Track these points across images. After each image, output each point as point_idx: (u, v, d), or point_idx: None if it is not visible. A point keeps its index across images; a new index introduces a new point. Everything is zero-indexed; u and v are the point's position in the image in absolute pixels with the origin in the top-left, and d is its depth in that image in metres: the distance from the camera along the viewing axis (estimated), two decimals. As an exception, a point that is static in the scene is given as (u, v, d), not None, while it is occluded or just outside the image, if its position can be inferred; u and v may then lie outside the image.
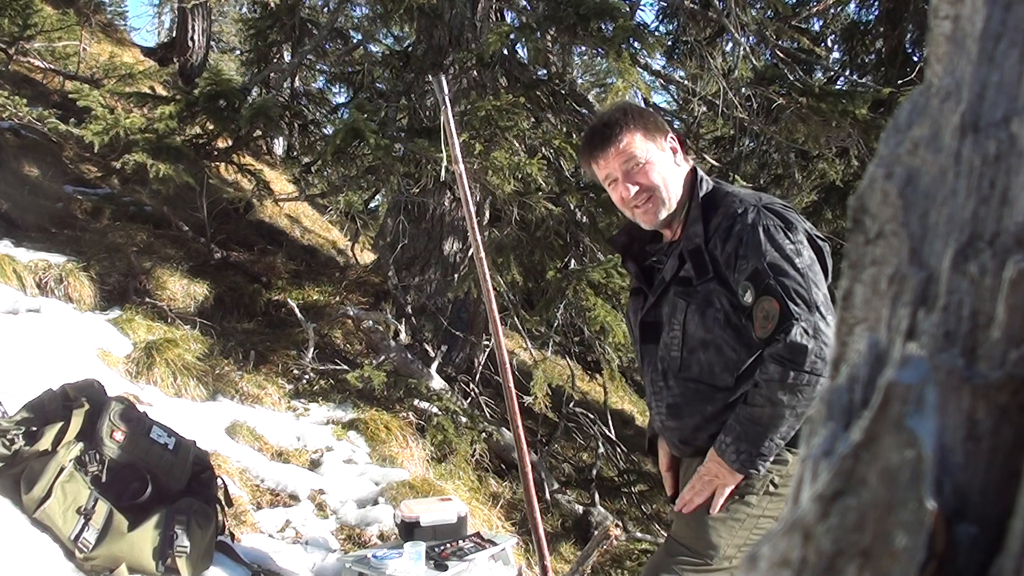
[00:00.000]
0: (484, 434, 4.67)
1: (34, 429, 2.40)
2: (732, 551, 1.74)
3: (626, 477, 5.58)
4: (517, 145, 4.81)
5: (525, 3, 5.87)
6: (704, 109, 6.65)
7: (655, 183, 1.82)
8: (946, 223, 0.40)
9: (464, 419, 4.63)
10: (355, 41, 7.22)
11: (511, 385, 2.47)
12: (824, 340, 1.60)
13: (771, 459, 1.68)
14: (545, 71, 5.74)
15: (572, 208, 5.16)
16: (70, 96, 5.09)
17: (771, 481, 1.72)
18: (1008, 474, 0.37)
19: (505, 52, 5.37)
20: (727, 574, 1.76)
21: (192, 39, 9.02)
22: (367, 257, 7.16)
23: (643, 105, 2.20)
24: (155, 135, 4.53)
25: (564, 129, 5.52)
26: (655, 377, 1.87)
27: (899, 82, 6.00)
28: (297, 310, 4.90)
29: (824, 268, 1.72)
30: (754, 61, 5.50)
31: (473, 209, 2.61)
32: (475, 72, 5.41)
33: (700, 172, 1.88)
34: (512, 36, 5.00)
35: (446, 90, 2.54)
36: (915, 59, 7.29)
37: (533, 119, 5.30)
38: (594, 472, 5.15)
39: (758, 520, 1.73)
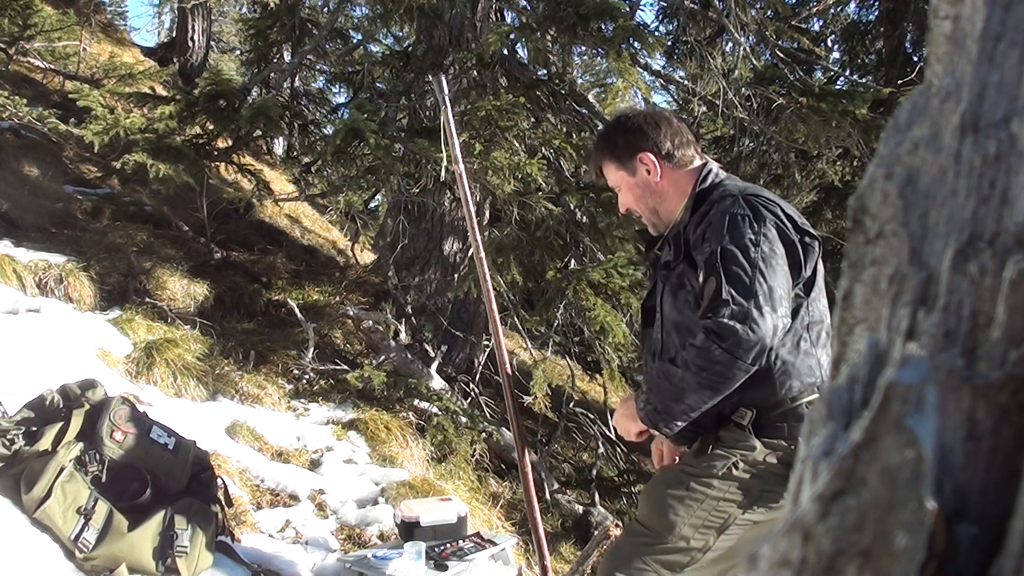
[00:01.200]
0: (484, 434, 4.67)
1: (34, 429, 2.40)
2: (689, 531, 1.76)
3: (626, 477, 5.59)
4: (517, 145, 4.81)
5: (525, 3, 5.87)
6: (704, 109, 6.64)
7: (627, 206, 1.99)
8: (946, 223, 0.40)
9: (464, 419, 4.63)
10: (355, 41, 7.22)
11: (511, 385, 2.47)
12: (752, 329, 1.62)
13: (674, 422, 1.72)
14: (545, 71, 5.73)
15: (572, 208, 5.16)
16: (70, 96, 5.09)
17: (733, 464, 1.73)
18: (1008, 474, 0.37)
19: (505, 52, 5.37)
20: (682, 554, 1.77)
21: (192, 39, 9.02)
22: (367, 257, 7.16)
23: (641, 107, 2.24)
24: (155, 135, 4.53)
25: (564, 129, 5.52)
26: (647, 359, 1.95)
27: (899, 82, 6.00)
28: (297, 310, 4.90)
29: (798, 263, 1.73)
30: (754, 61, 5.50)
31: (473, 209, 2.61)
32: (475, 72, 5.41)
33: (710, 166, 1.92)
34: (512, 36, 5.00)
35: (446, 90, 2.54)
36: (915, 59, 7.30)
37: (533, 119, 5.30)
38: (594, 472, 5.15)
39: (717, 503, 1.75)
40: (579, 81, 10.96)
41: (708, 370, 1.66)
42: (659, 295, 1.87)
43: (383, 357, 4.70)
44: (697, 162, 1.95)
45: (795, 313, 1.74)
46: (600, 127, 2.14)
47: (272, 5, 6.55)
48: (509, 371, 2.50)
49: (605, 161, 1.98)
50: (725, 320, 1.65)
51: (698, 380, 1.67)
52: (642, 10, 19.04)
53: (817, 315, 1.79)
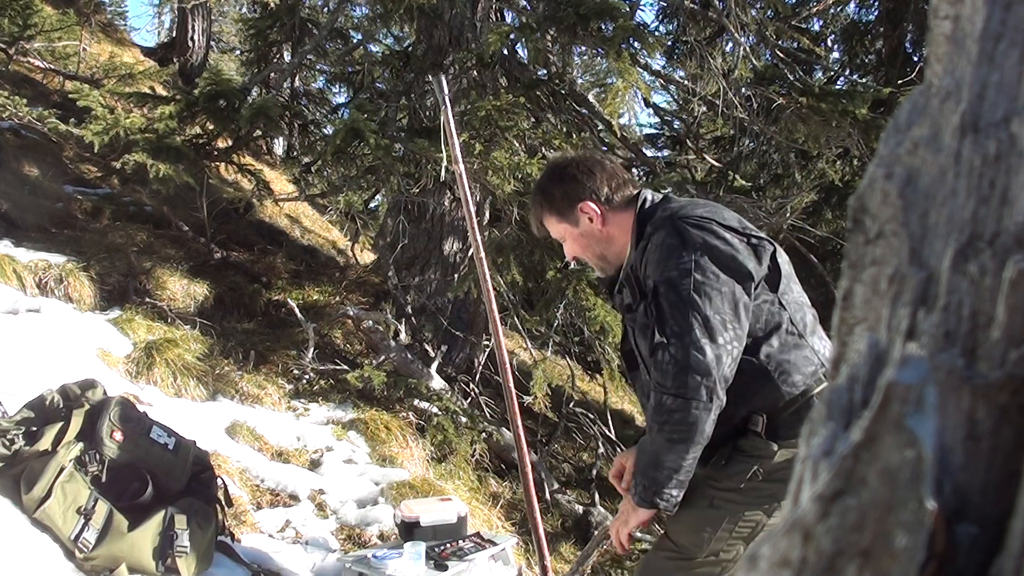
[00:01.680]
0: (484, 434, 4.67)
1: (34, 429, 2.40)
2: (717, 545, 1.75)
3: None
4: (517, 145, 4.81)
5: (525, 3, 5.87)
6: (704, 109, 6.65)
7: (575, 255, 2.00)
8: (946, 223, 0.40)
9: (464, 419, 4.63)
10: (355, 41, 7.22)
11: (511, 385, 2.47)
12: (693, 366, 1.62)
13: (666, 491, 1.68)
14: (545, 71, 5.73)
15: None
16: (70, 96, 5.09)
17: (755, 473, 1.72)
18: (1008, 474, 0.37)
19: (505, 52, 5.37)
20: (713, 566, 1.76)
21: (192, 39, 9.02)
22: (367, 257, 7.16)
23: (573, 153, 2.23)
24: (155, 135, 4.53)
25: (564, 129, 5.52)
26: (642, 400, 1.92)
27: (899, 82, 6.00)
28: (297, 310, 4.90)
29: (744, 271, 1.69)
30: (754, 61, 5.50)
31: (473, 209, 2.61)
32: (475, 72, 5.41)
33: (644, 195, 1.90)
34: (512, 36, 5.00)
35: (446, 90, 2.54)
36: (915, 59, 7.30)
37: (533, 119, 5.30)
38: (594, 472, 5.15)
39: (743, 514, 1.74)
40: (579, 81, 10.96)
41: (669, 422, 1.64)
42: (632, 338, 1.86)
43: (383, 357, 4.70)
44: (633, 193, 1.93)
45: (771, 313, 1.73)
46: (541, 176, 2.10)
47: (272, 5, 6.55)
48: (509, 371, 2.51)
49: (546, 216, 1.97)
50: (665, 365, 1.65)
51: (665, 438, 1.66)
52: (642, 10, 19.04)
53: (794, 304, 1.77)
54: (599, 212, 1.91)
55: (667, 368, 1.65)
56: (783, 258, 1.80)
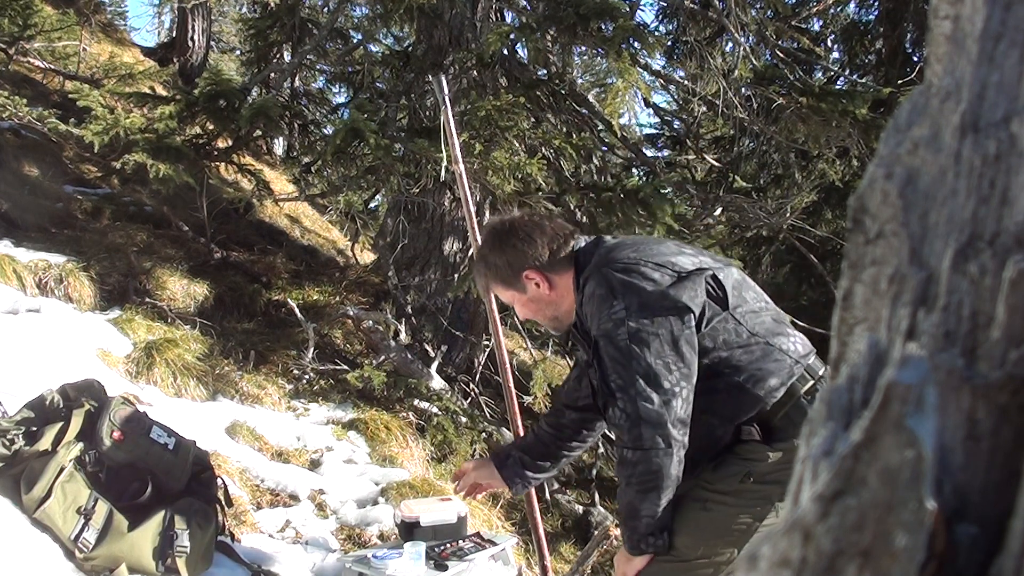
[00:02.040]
0: (484, 434, 4.67)
1: (34, 429, 2.39)
2: (709, 549, 1.76)
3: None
4: (517, 145, 4.81)
5: (525, 3, 5.87)
6: (704, 109, 6.64)
7: (527, 317, 2.01)
8: (946, 223, 0.40)
9: (464, 419, 4.63)
10: (355, 41, 7.22)
11: (511, 385, 2.47)
12: (644, 415, 1.63)
13: (649, 537, 1.71)
14: (545, 71, 5.73)
15: (572, 208, 5.16)
16: (70, 96, 5.08)
17: (746, 475, 1.73)
18: (1008, 474, 0.37)
19: (505, 52, 5.36)
20: (705, 568, 1.77)
21: (192, 39, 9.02)
22: (367, 257, 7.16)
23: (510, 214, 2.24)
24: (155, 135, 4.53)
25: (564, 129, 5.52)
26: None
27: (899, 82, 6.00)
28: (297, 310, 4.90)
29: (678, 305, 1.69)
30: (754, 61, 5.50)
31: (473, 209, 2.61)
32: (475, 72, 5.41)
33: (577, 246, 1.90)
34: (512, 36, 4.99)
35: (446, 90, 2.54)
36: (915, 59, 7.30)
37: (533, 119, 5.29)
38: (594, 472, 5.15)
39: (736, 516, 1.74)
40: (579, 81, 10.96)
41: (634, 475, 1.67)
42: (597, 392, 1.86)
43: (383, 357, 4.70)
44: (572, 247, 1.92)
45: (728, 330, 1.73)
46: (481, 244, 2.09)
47: (272, 5, 6.55)
48: (509, 371, 2.51)
49: (492, 285, 1.98)
50: (617, 420, 1.67)
51: (635, 489, 1.68)
52: (642, 10, 19.03)
53: (750, 314, 1.77)
54: (544, 278, 1.90)
55: (620, 423, 1.67)
56: (726, 273, 1.80)
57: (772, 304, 1.86)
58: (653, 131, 9.01)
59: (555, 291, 1.91)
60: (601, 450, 5.40)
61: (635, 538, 1.73)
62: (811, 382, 1.74)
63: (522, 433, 2.56)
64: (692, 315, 1.70)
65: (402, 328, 5.06)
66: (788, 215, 5.64)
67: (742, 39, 5.54)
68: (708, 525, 1.75)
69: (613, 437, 1.72)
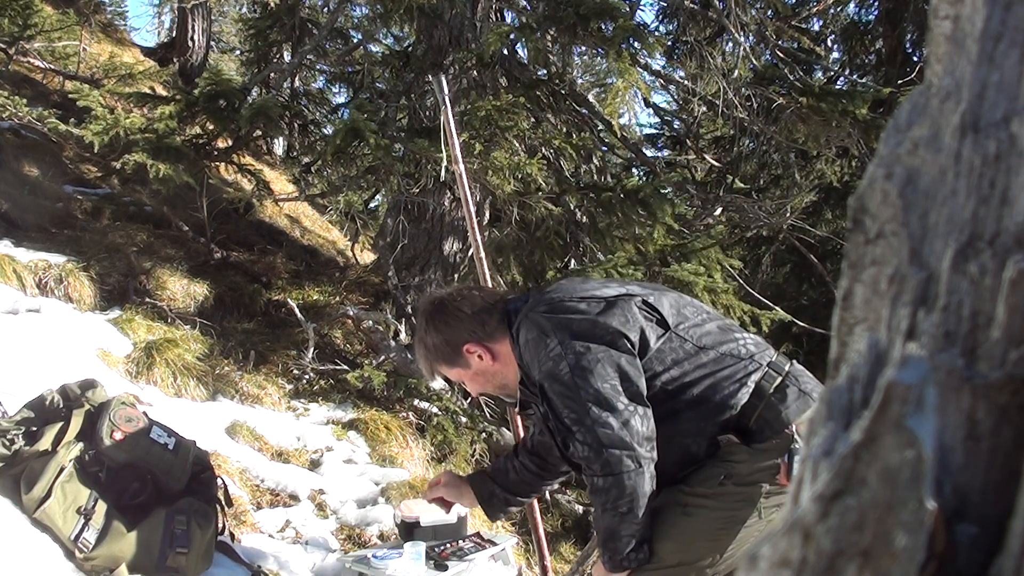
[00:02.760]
0: (484, 434, 4.67)
1: (34, 429, 2.40)
2: (690, 554, 1.75)
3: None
4: (517, 145, 4.81)
5: (525, 3, 5.87)
6: (704, 109, 6.64)
7: (479, 393, 2.01)
8: (946, 223, 0.40)
9: (464, 419, 4.63)
10: (355, 41, 7.22)
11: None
12: (605, 440, 1.63)
13: (630, 552, 1.71)
14: (545, 71, 5.73)
15: (572, 208, 5.16)
16: (70, 96, 5.08)
17: (725, 477, 1.72)
18: (1008, 474, 0.37)
19: (505, 52, 5.36)
20: (689, 571, 1.76)
21: (192, 39, 9.02)
22: (367, 257, 7.16)
23: (437, 288, 2.24)
24: (155, 135, 4.53)
25: (564, 129, 5.52)
26: None
27: (899, 82, 6.00)
28: (297, 310, 4.90)
29: (609, 333, 1.69)
30: (754, 61, 5.50)
31: (473, 209, 2.61)
32: (475, 72, 5.41)
33: (506, 309, 1.88)
34: (512, 36, 4.99)
35: (446, 90, 2.55)
36: (915, 59, 7.30)
37: (533, 119, 5.29)
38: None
39: (716, 519, 1.74)
40: (579, 81, 10.96)
41: (608, 500, 1.67)
42: (555, 433, 1.85)
43: (383, 357, 4.70)
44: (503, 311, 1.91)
45: (673, 348, 1.73)
46: (416, 328, 2.10)
47: (272, 5, 6.55)
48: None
49: (436, 366, 1.97)
50: (582, 453, 1.67)
51: (612, 515, 1.68)
52: (642, 10, 19.03)
53: (693, 328, 1.77)
54: (484, 349, 1.89)
55: (585, 455, 1.67)
56: (658, 296, 1.80)
57: (715, 313, 1.86)
58: (653, 131, 9.02)
59: (498, 360, 1.90)
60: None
61: (616, 558, 1.73)
62: (779, 379, 1.73)
63: (522, 432, 2.55)
64: (626, 339, 1.70)
65: (402, 328, 5.06)
66: (788, 215, 5.64)
67: (742, 39, 5.54)
68: (689, 529, 1.74)
69: (584, 472, 1.71)
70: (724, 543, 1.73)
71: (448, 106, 2.53)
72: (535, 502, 2.53)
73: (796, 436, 1.68)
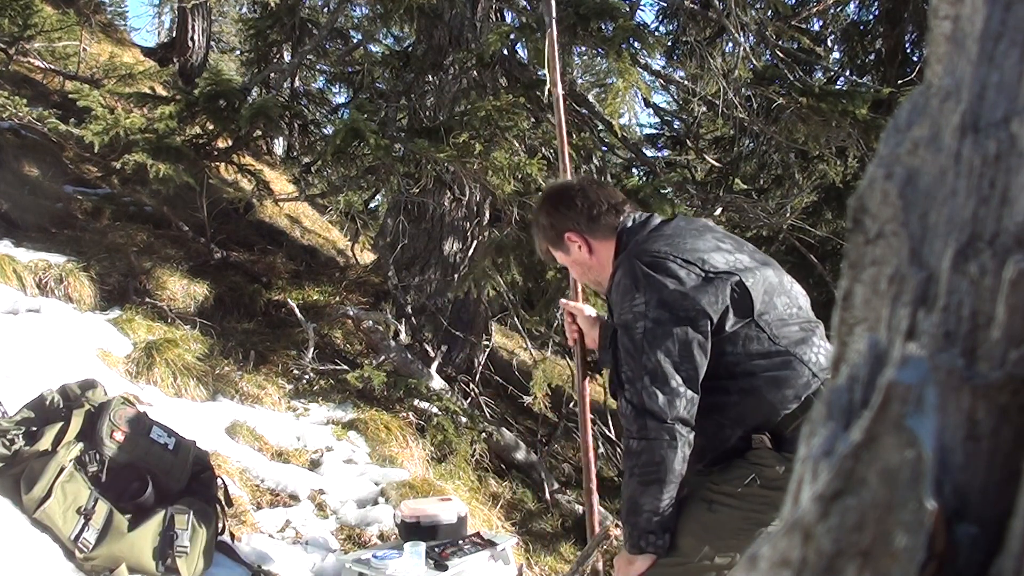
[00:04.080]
0: (484, 434, 4.67)
1: (34, 429, 2.40)
2: (711, 550, 1.75)
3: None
4: (517, 145, 4.81)
5: (525, 3, 5.88)
6: (704, 109, 6.65)
7: (578, 278, 2.15)
8: (946, 223, 0.40)
9: (464, 419, 4.63)
10: (355, 41, 7.22)
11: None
12: (649, 407, 1.66)
13: (649, 535, 1.71)
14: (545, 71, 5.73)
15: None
16: (70, 96, 5.08)
17: (753, 479, 1.72)
18: (1008, 474, 0.37)
19: (505, 52, 5.36)
20: (707, 571, 1.76)
21: (192, 39, 9.02)
22: (367, 257, 7.16)
23: (566, 178, 2.29)
24: (155, 135, 4.53)
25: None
26: None
27: (899, 82, 6.00)
28: (297, 310, 4.90)
29: (695, 310, 1.69)
30: (754, 61, 5.50)
31: (564, 133, 2.60)
32: (475, 72, 5.41)
33: (624, 223, 1.92)
34: (512, 36, 4.99)
35: (553, 10, 2.54)
36: (915, 59, 7.30)
37: (533, 119, 5.29)
38: (594, 472, 5.14)
39: (740, 520, 1.73)
40: (579, 81, 10.96)
41: (638, 465, 1.68)
42: (611, 380, 1.88)
43: (383, 357, 4.69)
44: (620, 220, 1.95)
45: (749, 336, 1.73)
46: (535, 208, 2.13)
47: (272, 5, 6.55)
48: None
49: (542, 244, 2.06)
50: (624, 409, 1.70)
51: (638, 480, 1.68)
52: (642, 10, 19.02)
53: (777, 322, 1.76)
54: (585, 243, 1.96)
55: (626, 413, 1.70)
56: (757, 277, 1.78)
57: (806, 311, 1.84)
58: (653, 131, 9.02)
59: (595, 256, 1.96)
60: (601, 450, 5.40)
61: (635, 534, 1.72)
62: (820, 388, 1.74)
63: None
64: (709, 320, 1.70)
65: (402, 328, 5.06)
66: (788, 215, 5.64)
67: (742, 39, 5.54)
68: (713, 526, 1.74)
69: (624, 429, 1.74)
70: (745, 546, 1.73)
71: (553, 27, 2.54)
72: (589, 430, 2.54)
73: None
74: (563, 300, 2.40)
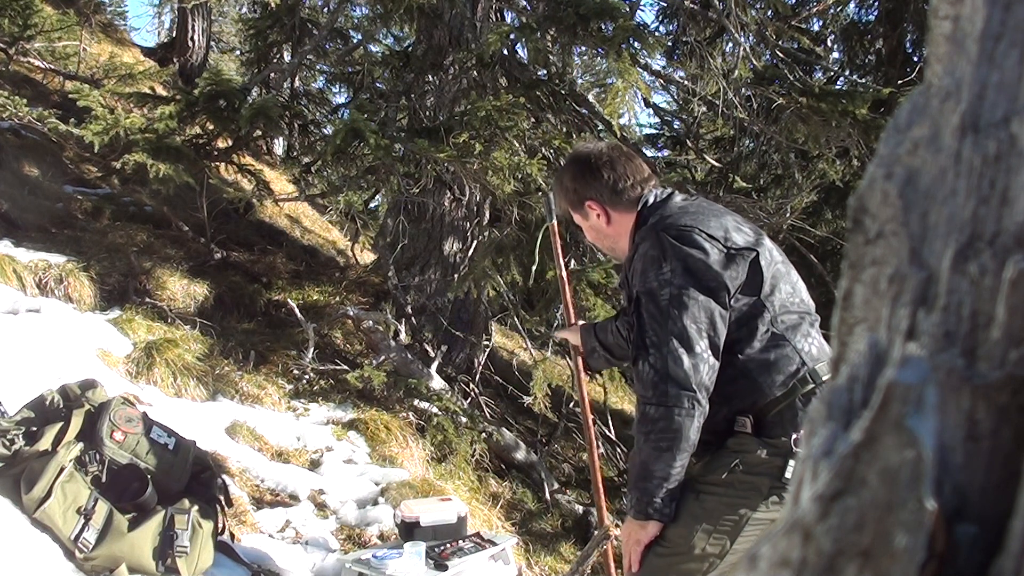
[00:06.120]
0: (484, 434, 4.67)
1: (34, 429, 2.40)
2: (702, 539, 1.76)
3: (626, 477, 5.58)
4: (517, 145, 4.81)
5: (525, 3, 5.87)
6: (704, 109, 6.65)
7: (591, 241, 2.15)
8: (946, 223, 0.40)
9: (464, 419, 4.63)
10: (355, 41, 7.22)
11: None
12: (672, 373, 1.68)
13: (656, 500, 1.72)
14: (545, 71, 5.73)
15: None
16: (70, 96, 5.08)
17: (735, 465, 1.74)
18: (1008, 474, 0.37)
19: (505, 52, 5.36)
20: (700, 562, 1.77)
21: (192, 39, 9.02)
22: (367, 257, 7.16)
23: (594, 143, 2.31)
24: (155, 135, 4.53)
25: (564, 129, 5.52)
26: None
27: (899, 82, 6.00)
28: (297, 310, 4.90)
29: (717, 283, 1.73)
30: (754, 61, 5.49)
31: (573, 312, 2.62)
32: (475, 72, 5.41)
33: (646, 197, 1.96)
34: (512, 36, 5.00)
35: (553, 204, 2.55)
36: (915, 59, 7.30)
37: (533, 119, 5.29)
38: (594, 472, 5.14)
39: (727, 507, 1.75)
40: (579, 81, 10.96)
41: (653, 431, 1.69)
42: (630, 344, 1.90)
43: (383, 357, 4.69)
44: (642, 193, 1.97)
45: (752, 315, 1.76)
46: (563, 165, 2.18)
47: (272, 5, 6.55)
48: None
49: (562, 204, 2.10)
50: (645, 375, 1.70)
51: (652, 447, 1.70)
52: (642, 10, 19.03)
53: (779, 306, 1.80)
54: (604, 212, 1.99)
55: (647, 378, 1.71)
56: (769, 260, 1.83)
57: (806, 303, 1.88)
58: (653, 131, 9.02)
59: (613, 226, 1.99)
60: (601, 450, 5.40)
61: (644, 500, 1.73)
62: (811, 386, 1.76)
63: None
64: (727, 294, 1.75)
65: (402, 328, 5.06)
66: (788, 215, 5.63)
67: (742, 39, 5.54)
68: (702, 515, 1.76)
69: (637, 395, 1.75)
70: (735, 532, 1.75)
71: (554, 221, 2.53)
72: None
73: (793, 445, 1.71)
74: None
